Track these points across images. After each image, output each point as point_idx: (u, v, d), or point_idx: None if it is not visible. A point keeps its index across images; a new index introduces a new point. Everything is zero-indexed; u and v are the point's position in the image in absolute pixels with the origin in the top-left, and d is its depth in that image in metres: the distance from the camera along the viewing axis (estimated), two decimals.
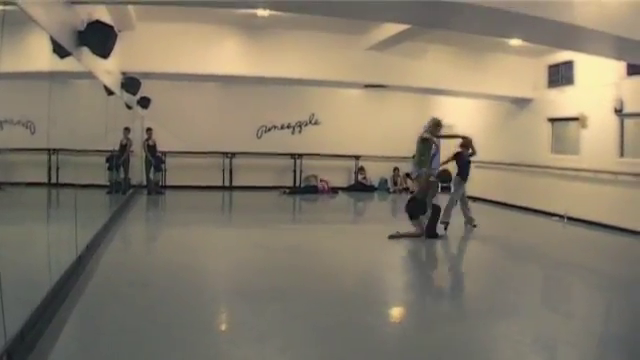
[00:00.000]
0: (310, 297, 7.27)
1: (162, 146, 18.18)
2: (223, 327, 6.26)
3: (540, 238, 12.80)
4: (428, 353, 5.46)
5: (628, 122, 13.23)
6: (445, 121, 21.15)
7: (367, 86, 17.33)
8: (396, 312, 7.21)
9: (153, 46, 13.38)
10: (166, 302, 6.73)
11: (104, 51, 8.14)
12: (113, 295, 7.00)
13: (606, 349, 5.82)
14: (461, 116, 20.21)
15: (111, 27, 8.13)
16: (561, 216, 14.69)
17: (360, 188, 21.51)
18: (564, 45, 11.84)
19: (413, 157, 12.32)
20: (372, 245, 11.23)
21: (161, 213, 15.68)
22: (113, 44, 8.26)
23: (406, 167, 21.74)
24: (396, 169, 21.99)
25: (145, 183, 17.90)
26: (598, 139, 13.87)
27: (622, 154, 13.31)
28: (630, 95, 13.00)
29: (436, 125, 12.12)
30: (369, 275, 9.03)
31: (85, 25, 7.63)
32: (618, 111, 13.20)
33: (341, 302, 7.13)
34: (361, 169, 21.81)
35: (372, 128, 21.63)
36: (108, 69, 10.64)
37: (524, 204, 16.57)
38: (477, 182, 17.59)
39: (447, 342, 5.73)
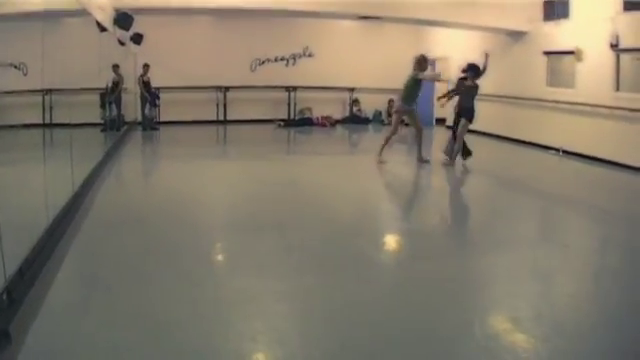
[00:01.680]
0: (307, 228, 7.46)
1: (156, 82, 18.07)
2: (221, 258, 6.44)
3: (536, 171, 12.92)
4: (425, 283, 5.59)
5: (624, 57, 13.12)
6: (440, 53, 21.28)
7: (362, 17, 17.13)
8: (392, 242, 7.38)
9: None
10: (163, 236, 6.91)
11: None
12: (110, 230, 7.16)
13: (601, 280, 6.01)
14: (456, 48, 20.09)
15: None
16: (557, 149, 14.75)
17: (355, 120, 21.54)
18: None
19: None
20: (367, 175, 11.47)
21: (156, 149, 15.79)
22: None
23: None
24: (391, 101, 21.81)
25: (140, 119, 17.89)
26: (594, 73, 13.79)
27: (618, 88, 13.24)
28: (626, 30, 12.85)
29: (424, 62, 12.52)
30: (365, 204, 9.26)
31: None
32: (614, 46, 13.08)
33: (338, 232, 7.34)
34: (355, 101, 21.77)
35: (366, 60, 21.47)
36: (100, 5, 10.58)
37: (520, 137, 16.56)
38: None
39: (443, 273, 5.87)
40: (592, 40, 13.76)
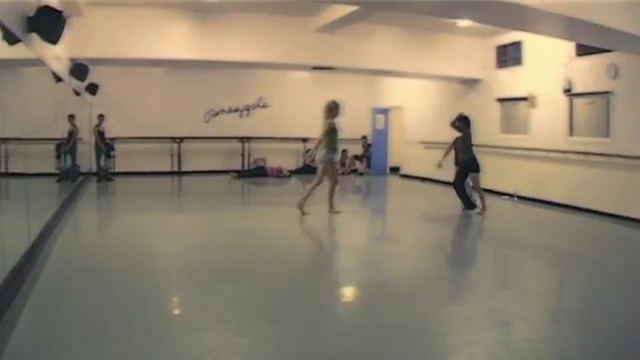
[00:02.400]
0: (264, 279, 7.26)
1: (111, 132, 17.88)
2: (179, 311, 6.23)
3: (490, 216, 12.91)
4: (381, 332, 5.45)
5: (577, 102, 13.44)
6: (394, 102, 21.59)
7: (315, 68, 17.29)
8: (348, 292, 7.24)
9: (102, 32, 13.13)
10: (120, 288, 6.66)
11: (53, 37, 7.99)
12: (67, 283, 6.90)
13: (559, 323, 5.99)
14: (410, 97, 20.45)
15: (60, 12, 7.98)
16: (511, 195, 14.97)
17: (308, 170, 21.49)
18: (513, 26, 11.99)
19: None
20: (321, 225, 11.39)
21: (111, 200, 15.45)
22: (62, 30, 8.12)
23: (354, 149, 22.00)
24: (344, 151, 22.08)
25: (95, 170, 17.62)
26: (548, 119, 14.12)
27: (572, 133, 13.54)
28: (579, 75, 13.23)
29: (335, 108, 12.48)
30: (320, 254, 9.24)
31: (34, 10, 7.49)
32: (567, 91, 13.42)
33: (294, 282, 7.22)
34: (309, 151, 21.79)
35: (320, 110, 21.54)
36: (57, 55, 10.48)
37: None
38: (427, 163, 17.87)
39: (400, 321, 5.77)
40: (545, 86, 14.11)
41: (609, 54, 12.27)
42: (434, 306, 6.32)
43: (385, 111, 22.13)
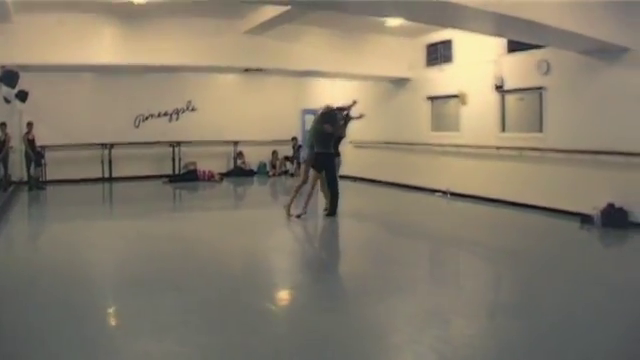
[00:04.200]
0: (203, 284, 7.23)
1: (41, 140, 17.51)
2: (118, 321, 6.10)
3: (424, 214, 13.28)
4: (322, 334, 5.49)
5: (509, 98, 13.73)
6: (322, 104, 21.69)
7: (246, 70, 17.37)
8: (286, 294, 7.28)
9: (31, 38, 12.97)
10: (58, 300, 6.47)
11: None
12: (2, 296, 6.71)
13: (497, 319, 6.21)
14: (339, 98, 20.60)
15: None
16: (444, 192, 15.21)
17: (240, 173, 21.62)
18: (445, 23, 12.17)
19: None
20: (256, 229, 11.48)
21: (44, 209, 15.09)
22: None
23: (285, 150, 22.14)
24: (275, 152, 22.27)
25: (26, 179, 17.24)
26: (479, 115, 14.39)
27: (504, 129, 13.86)
28: (510, 72, 13.52)
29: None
30: (256, 258, 9.09)
31: None
32: (499, 87, 13.69)
33: (231, 287, 7.19)
34: (240, 154, 21.90)
35: (249, 113, 21.76)
36: None
37: (407, 182, 16.94)
38: (358, 162, 18.14)
39: (340, 322, 5.83)
40: (476, 83, 14.40)
41: (540, 50, 12.59)
42: (374, 305, 6.34)
43: (315, 112, 22.24)
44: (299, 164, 21.96)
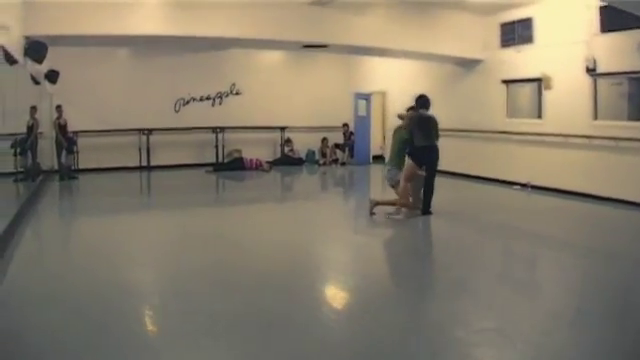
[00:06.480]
0: (252, 292, 6.29)
1: (73, 125, 16.10)
2: (155, 328, 5.40)
3: (509, 211, 11.71)
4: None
5: (601, 82, 12.39)
6: (376, 88, 20.25)
7: (306, 46, 15.49)
8: (341, 298, 6.39)
9: (60, 3, 11.46)
10: (91, 307, 5.72)
11: None
12: (27, 303, 5.87)
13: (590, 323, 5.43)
14: (394, 81, 19.12)
15: None
16: (524, 185, 13.80)
17: (287, 161, 20.11)
18: None
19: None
20: (311, 226, 10.29)
21: (75, 201, 13.84)
22: None
23: (335, 137, 20.64)
24: (324, 139, 20.72)
25: (57, 168, 15.89)
26: (566, 101, 13.01)
27: (596, 117, 12.47)
28: (604, 53, 12.16)
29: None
30: (313, 260, 7.99)
31: None
32: (591, 70, 12.33)
33: (286, 297, 6.15)
34: (288, 141, 20.42)
35: (298, 97, 20.39)
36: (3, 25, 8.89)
37: (478, 174, 15.54)
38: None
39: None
40: (563, 65, 13.05)
41: None
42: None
43: (367, 97, 20.73)
44: (351, 152, 20.45)
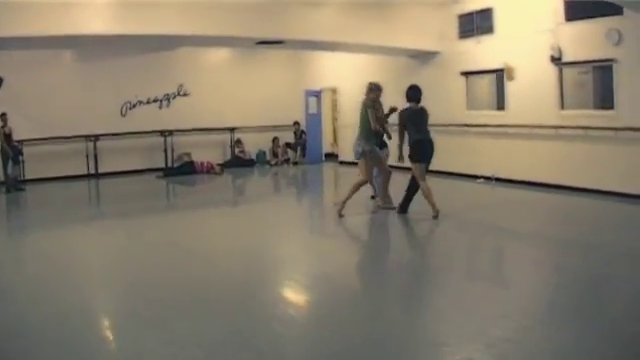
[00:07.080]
0: (210, 304, 6.05)
1: (18, 134, 15.25)
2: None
3: (470, 204, 11.71)
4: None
5: (567, 72, 12.40)
6: (327, 84, 19.93)
7: (260, 43, 15.09)
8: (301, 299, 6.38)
9: (3, 3, 10.75)
10: (46, 323, 5.54)
11: None
12: None
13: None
14: (344, 77, 18.75)
15: None
16: (487, 178, 13.63)
17: (238, 163, 19.61)
18: None
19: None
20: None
21: (24, 214, 13.22)
22: None
23: (286, 136, 20.28)
24: (275, 139, 20.31)
25: (3, 179, 15.03)
26: (530, 92, 12.91)
27: (563, 106, 12.41)
28: (570, 42, 12.09)
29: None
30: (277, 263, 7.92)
31: None
32: (556, 59, 12.25)
33: (250, 305, 5.98)
34: (238, 142, 19.91)
35: (246, 96, 19.83)
36: None
37: (442, 168, 14.44)
38: None
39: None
40: (526, 55, 12.98)
41: (609, 18, 11.24)
42: None
43: (317, 93, 20.41)
44: (303, 151, 20.10)
